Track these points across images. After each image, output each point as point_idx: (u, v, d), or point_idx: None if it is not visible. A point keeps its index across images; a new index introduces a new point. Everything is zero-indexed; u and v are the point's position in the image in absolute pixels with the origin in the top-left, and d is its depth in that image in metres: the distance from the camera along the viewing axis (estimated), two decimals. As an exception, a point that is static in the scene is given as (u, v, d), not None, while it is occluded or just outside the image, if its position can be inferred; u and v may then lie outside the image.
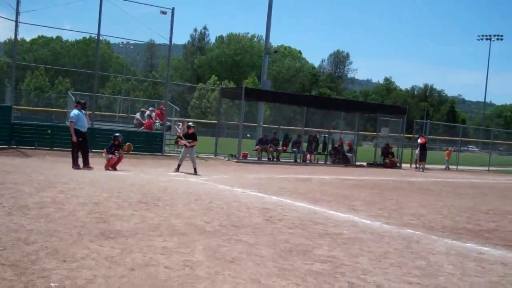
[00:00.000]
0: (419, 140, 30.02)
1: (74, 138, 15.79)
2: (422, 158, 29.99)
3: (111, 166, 16.23)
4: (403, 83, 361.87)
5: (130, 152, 18.36)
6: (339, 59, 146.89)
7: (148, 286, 4.85)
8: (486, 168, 36.86)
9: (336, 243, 7.36)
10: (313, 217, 9.55)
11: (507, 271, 6.45)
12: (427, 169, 30.14)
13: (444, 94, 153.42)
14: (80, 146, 16.01)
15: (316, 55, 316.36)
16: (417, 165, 30.85)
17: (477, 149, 66.39)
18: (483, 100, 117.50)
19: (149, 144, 23.97)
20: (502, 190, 19.83)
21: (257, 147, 27.45)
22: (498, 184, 23.35)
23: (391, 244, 7.57)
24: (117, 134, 17.19)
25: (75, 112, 16.29)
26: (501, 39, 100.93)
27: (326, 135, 32.99)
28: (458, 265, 6.52)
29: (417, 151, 30.66)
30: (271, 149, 27.45)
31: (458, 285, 5.63)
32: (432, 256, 6.95)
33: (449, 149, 35.85)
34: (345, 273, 5.82)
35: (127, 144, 17.40)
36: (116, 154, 16.49)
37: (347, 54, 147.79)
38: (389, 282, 5.55)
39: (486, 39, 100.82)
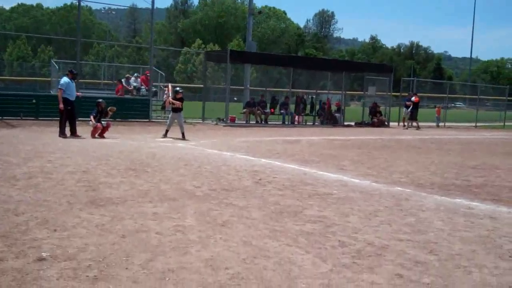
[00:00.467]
0: (412, 98, 30.01)
1: (62, 106, 15.64)
2: (414, 116, 30.08)
3: (99, 134, 16.13)
4: (389, 41, 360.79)
5: (116, 120, 18.21)
6: (324, 19, 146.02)
7: (140, 252, 4.85)
8: (473, 124, 37.08)
9: (326, 203, 7.40)
10: (302, 178, 9.57)
11: (496, 224, 6.51)
12: (414, 126, 30.24)
13: (430, 51, 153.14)
14: (68, 115, 15.87)
15: (301, 15, 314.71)
16: (405, 123, 30.98)
17: (464, 106, 66.63)
18: (469, 56, 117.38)
19: (136, 110, 23.82)
20: (489, 145, 19.96)
21: (244, 110, 27.39)
22: (485, 139, 23.51)
23: (380, 202, 7.61)
24: (99, 100, 17.03)
25: (65, 79, 16.12)
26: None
27: (314, 96, 32.95)
28: (447, 221, 6.58)
29: (408, 109, 30.64)
30: (258, 111, 27.40)
31: (448, 240, 5.67)
32: (422, 213, 7.00)
33: (439, 106, 35.96)
34: (336, 232, 5.85)
35: (110, 107, 17.22)
36: (103, 122, 16.38)
37: (332, 13, 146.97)
38: (380, 240, 5.59)
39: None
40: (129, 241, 5.20)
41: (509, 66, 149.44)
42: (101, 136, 16.15)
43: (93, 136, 16.00)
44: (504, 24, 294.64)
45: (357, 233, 5.83)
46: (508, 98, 42.74)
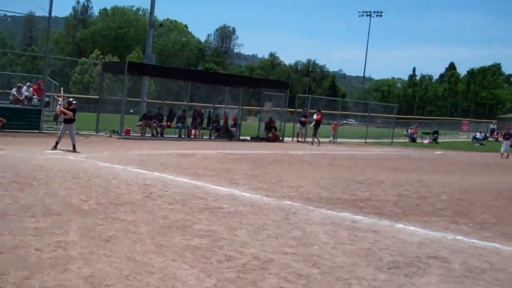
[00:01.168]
0: (314, 116, 30.81)
1: None
2: (315, 133, 30.87)
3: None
4: (288, 58, 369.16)
5: (4, 131, 17.41)
6: (225, 34, 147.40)
7: (17, 270, 4.63)
8: (364, 140, 38.53)
9: (216, 217, 7.41)
10: (194, 192, 9.55)
11: (377, 237, 6.78)
12: (308, 142, 31.01)
13: (326, 69, 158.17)
14: None
15: (202, 30, 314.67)
16: (299, 139, 31.81)
17: (356, 122, 69.19)
18: (362, 75, 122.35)
19: (26, 121, 22.81)
20: (377, 160, 20.82)
21: (140, 122, 26.97)
22: (374, 155, 24.51)
23: (269, 216, 7.73)
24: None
25: None
26: (381, 16, 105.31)
27: (211, 110, 33.04)
28: (332, 234, 6.78)
29: (301, 126, 31.61)
30: (154, 124, 27.07)
31: (331, 254, 5.85)
32: (308, 226, 7.18)
33: (335, 122, 37.09)
34: (223, 246, 5.88)
35: None
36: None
37: (233, 29, 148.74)
38: (266, 253, 5.67)
39: (367, 15, 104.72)
40: (6, 258, 4.96)
41: (399, 85, 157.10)
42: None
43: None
44: (395, 46, 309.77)
45: (244, 247, 5.88)
46: (397, 116, 44.86)
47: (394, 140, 40.73)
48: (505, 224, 8.24)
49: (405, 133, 47.24)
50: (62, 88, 20.47)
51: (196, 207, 8.11)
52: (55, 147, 16.55)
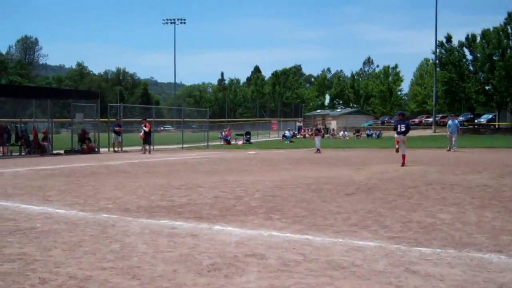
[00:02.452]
0: (144, 127, 30.59)
1: None
2: (147, 141, 30.61)
3: None
4: (97, 67, 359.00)
5: None
6: (28, 45, 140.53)
7: None
8: (181, 146, 38.87)
9: (28, 239, 7.01)
10: (3, 213, 8.97)
11: (197, 242, 6.86)
12: (126, 151, 30.57)
13: (137, 77, 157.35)
14: None
15: (1, 42, 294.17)
16: (115, 149, 31.32)
17: (172, 128, 69.57)
18: (173, 82, 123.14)
19: None
20: (193, 165, 21.10)
21: None
22: (190, 160, 24.81)
23: (86, 231, 7.48)
24: None
25: None
26: (184, 23, 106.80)
27: (19, 125, 31.20)
28: (151, 243, 6.74)
29: (116, 135, 31.37)
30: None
31: (151, 263, 5.80)
32: (127, 238, 7.06)
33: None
34: (37, 269, 5.57)
35: None
36: None
37: (36, 39, 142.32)
38: (83, 271, 5.47)
39: (171, 22, 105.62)
40: None
41: (210, 90, 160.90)
42: None
43: None
44: (202, 51, 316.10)
45: (59, 267, 5.62)
46: (210, 119, 45.87)
47: (210, 144, 41.64)
48: (315, 216, 8.77)
49: (219, 136, 48.52)
50: None
51: (6, 229, 7.61)
52: None
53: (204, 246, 6.59)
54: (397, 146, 19.28)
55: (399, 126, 19.45)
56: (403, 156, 18.81)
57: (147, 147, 30.59)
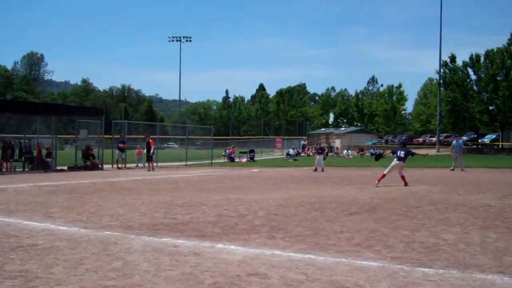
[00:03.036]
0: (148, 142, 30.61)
1: None
2: (151, 158, 30.49)
3: None
4: (102, 84, 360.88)
5: None
6: (34, 61, 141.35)
7: None
8: (184, 163, 38.88)
9: (30, 255, 7.00)
10: (5, 230, 8.96)
11: (199, 260, 6.84)
12: (130, 168, 30.58)
13: (142, 94, 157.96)
14: None
15: (7, 57, 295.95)
16: (119, 165, 31.36)
17: (176, 145, 69.62)
18: (178, 99, 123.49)
19: None
20: (197, 182, 21.08)
21: None
22: (194, 177, 24.78)
23: (88, 249, 7.47)
24: None
25: None
26: (190, 41, 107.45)
27: (23, 141, 31.31)
28: (153, 261, 6.72)
29: (120, 152, 31.39)
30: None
31: (153, 282, 5.78)
32: (129, 256, 7.04)
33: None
34: (38, 286, 5.56)
35: None
36: None
37: (42, 55, 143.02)
38: (84, 289, 5.47)
39: (177, 40, 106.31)
40: None
41: (215, 107, 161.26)
42: None
43: None
44: (207, 69, 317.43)
45: (60, 285, 5.61)
46: (214, 137, 45.89)
47: (213, 161, 41.62)
48: (319, 235, 8.75)
49: (223, 153, 48.51)
50: None
51: (8, 246, 7.60)
52: None
53: (206, 265, 6.57)
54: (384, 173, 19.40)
55: (398, 151, 19.57)
56: (403, 177, 19.01)
57: (150, 164, 30.58)
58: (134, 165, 34.06)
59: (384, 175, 19.15)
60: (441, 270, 6.36)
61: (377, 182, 18.95)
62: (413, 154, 20.71)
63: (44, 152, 30.23)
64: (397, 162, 19.39)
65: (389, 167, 19.46)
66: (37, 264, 6.55)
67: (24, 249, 7.43)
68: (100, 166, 30.91)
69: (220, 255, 7.20)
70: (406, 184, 18.57)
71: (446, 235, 8.76)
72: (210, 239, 8.31)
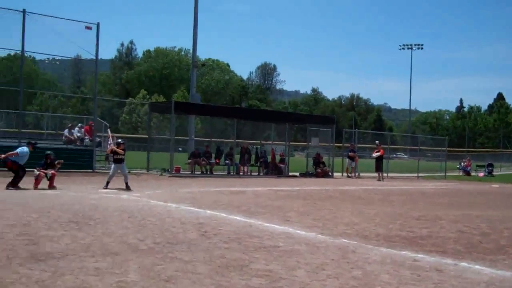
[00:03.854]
0: (377, 153, 30.73)
1: (3, 156, 15.77)
2: (379, 168, 30.61)
3: (48, 185, 15.86)
4: (330, 93, 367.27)
5: (59, 170, 17.85)
6: (267, 71, 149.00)
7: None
8: (415, 175, 37.88)
9: (273, 256, 7.30)
10: (248, 230, 9.47)
11: (442, 277, 6.51)
12: (362, 177, 30.68)
13: (370, 103, 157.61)
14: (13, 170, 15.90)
15: (243, 68, 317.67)
16: (349, 174, 31.63)
17: (405, 156, 68.17)
18: (408, 108, 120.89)
19: (79, 160, 23.31)
20: (431, 195, 20.37)
21: (189, 160, 27.22)
22: (427, 190, 23.99)
23: (327, 255, 7.57)
24: (48, 152, 16.91)
25: (24, 149, 16.35)
26: (422, 48, 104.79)
27: (258, 147, 33.14)
28: (394, 274, 6.56)
29: (352, 160, 31.69)
30: (203, 162, 27.28)
31: (395, 294, 5.65)
32: (368, 266, 6.98)
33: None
34: (283, 287, 5.75)
35: (58, 160, 17.02)
36: (48, 171, 16.12)
37: (274, 66, 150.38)
38: (328, 294, 5.52)
39: (408, 48, 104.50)
40: (68, 300, 4.96)
41: (447, 117, 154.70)
42: (52, 187, 16.02)
43: (36, 187, 15.63)
44: (439, 77, 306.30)
45: (304, 288, 5.75)
46: (448, 149, 43.94)
47: (447, 174, 39.85)
48: None
49: (458, 166, 46.16)
50: (109, 129, 20.91)
51: (252, 245, 8.01)
52: (106, 187, 16.81)
53: (450, 283, 6.22)
54: None
55: None
56: None
57: (380, 174, 30.30)
58: (369, 175, 33.91)
59: None
60: None
61: None
62: None
63: (277, 158, 31.66)
64: None
65: None
66: (280, 265, 6.79)
67: (266, 249, 7.77)
68: (330, 173, 31.46)
69: (464, 274, 6.78)
70: None
71: None
72: (452, 256, 7.88)
